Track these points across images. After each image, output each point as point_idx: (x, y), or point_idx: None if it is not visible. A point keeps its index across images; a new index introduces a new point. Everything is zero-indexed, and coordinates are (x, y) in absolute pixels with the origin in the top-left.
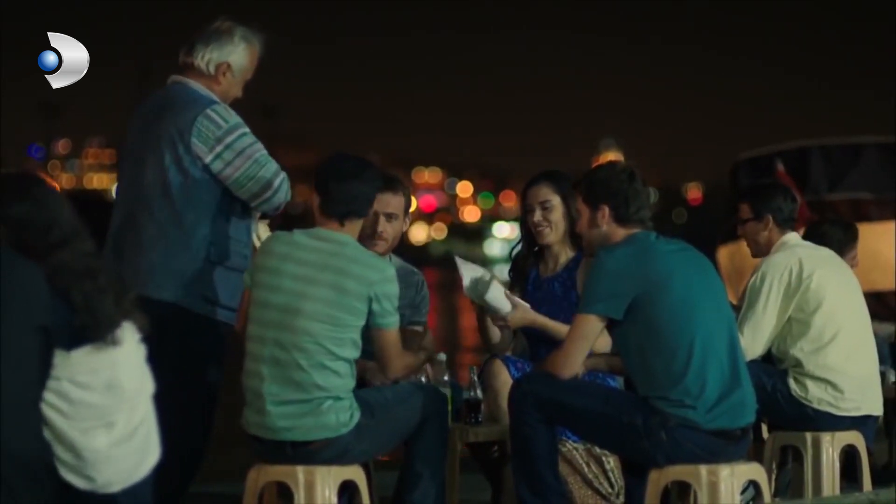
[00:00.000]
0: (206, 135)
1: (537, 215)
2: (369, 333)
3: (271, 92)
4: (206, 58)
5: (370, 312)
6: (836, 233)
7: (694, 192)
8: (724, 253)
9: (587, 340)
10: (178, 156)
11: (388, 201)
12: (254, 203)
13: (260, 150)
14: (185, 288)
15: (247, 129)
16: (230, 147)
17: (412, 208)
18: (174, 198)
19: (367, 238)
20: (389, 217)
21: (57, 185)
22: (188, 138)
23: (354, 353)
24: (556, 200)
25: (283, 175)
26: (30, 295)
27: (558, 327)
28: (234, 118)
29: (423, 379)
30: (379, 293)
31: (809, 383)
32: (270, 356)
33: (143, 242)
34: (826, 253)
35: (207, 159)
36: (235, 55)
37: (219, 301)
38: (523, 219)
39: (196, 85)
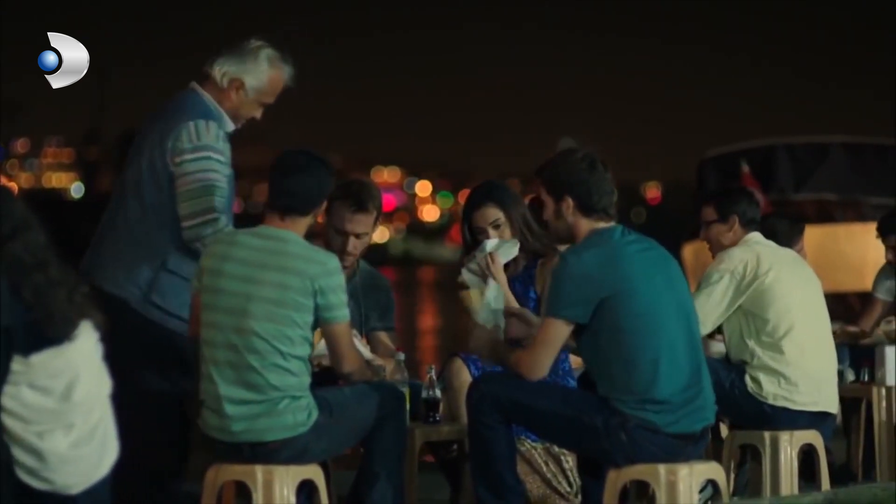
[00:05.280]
0: (177, 145)
1: (492, 236)
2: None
3: None
4: (222, 70)
5: (316, 307)
6: (782, 226)
7: (653, 191)
8: (689, 250)
9: (555, 344)
10: (154, 159)
11: (360, 221)
12: (182, 225)
13: (209, 181)
14: (136, 287)
15: (213, 156)
16: (184, 164)
17: None
18: (145, 198)
19: (338, 253)
20: (359, 236)
21: (14, 185)
22: (166, 144)
23: (307, 350)
24: (502, 216)
25: (209, 217)
26: None
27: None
28: (209, 140)
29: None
30: (323, 286)
31: (762, 378)
32: (224, 359)
33: (115, 237)
34: (787, 253)
35: (171, 168)
36: (252, 75)
37: (168, 309)
38: (472, 238)
39: (206, 95)
